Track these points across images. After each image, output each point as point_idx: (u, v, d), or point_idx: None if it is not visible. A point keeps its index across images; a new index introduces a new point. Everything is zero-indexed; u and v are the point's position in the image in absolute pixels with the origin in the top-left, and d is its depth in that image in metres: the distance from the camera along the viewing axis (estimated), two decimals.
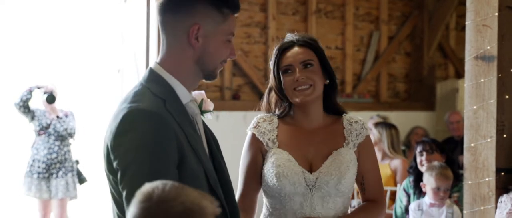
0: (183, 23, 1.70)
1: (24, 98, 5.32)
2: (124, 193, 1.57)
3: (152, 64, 1.80)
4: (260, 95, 6.02)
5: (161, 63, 1.74)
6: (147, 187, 1.27)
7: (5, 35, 5.66)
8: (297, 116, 2.16)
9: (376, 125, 4.86)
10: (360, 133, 2.14)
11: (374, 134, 4.66)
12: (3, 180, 5.65)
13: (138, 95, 1.68)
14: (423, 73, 7.04)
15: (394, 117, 6.60)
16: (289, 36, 2.20)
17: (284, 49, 2.16)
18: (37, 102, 5.45)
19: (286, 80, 2.11)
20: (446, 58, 7.27)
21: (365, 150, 2.15)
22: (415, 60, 7.10)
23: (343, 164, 2.08)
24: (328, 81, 2.16)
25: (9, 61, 5.78)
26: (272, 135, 2.12)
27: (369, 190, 2.16)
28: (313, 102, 2.12)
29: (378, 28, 6.83)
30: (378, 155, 4.73)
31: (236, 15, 1.78)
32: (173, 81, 1.72)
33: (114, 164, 1.61)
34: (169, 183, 1.27)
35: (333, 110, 2.20)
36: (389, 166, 4.69)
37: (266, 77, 6.10)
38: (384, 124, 4.87)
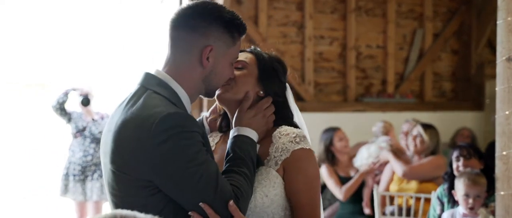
0: (197, 42, 1.78)
1: (60, 100, 5.38)
2: (187, 198, 1.69)
3: (152, 70, 1.83)
4: (297, 97, 5.94)
5: (169, 73, 1.80)
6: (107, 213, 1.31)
7: (43, 36, 5.74)
8: (230, 127, 1.99)
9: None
10: (285, 148, 1.86)
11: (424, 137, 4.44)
12: (42, 181, 5.73)
13: (154, 99, 1.73)
14: (471, 71, 6.74)
15: (439, 117, 6.35)
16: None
17: None
18: (74, 104, 5.50)
19: None
20: (496, 55, 6.92)
21: (291, 168, 1.86)
22: (462, 58, 6.80)
23: (259, 185, 1.85)
24: (262, 93, 1.95)
25: (47, 63, 5.85)
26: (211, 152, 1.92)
27: (298, 216, 1.88)
28: (233, 105, 1.95)
29: (422, 26, 6.57)
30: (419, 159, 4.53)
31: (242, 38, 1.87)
32: (180, 91, 1.79)
33: (155, 169, 1.67)
34: (109, 213, 1.31)
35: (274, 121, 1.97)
36: None
37: (303, 78, 5.97)
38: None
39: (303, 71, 6.00)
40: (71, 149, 5.45)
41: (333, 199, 5.00)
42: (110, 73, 6.09)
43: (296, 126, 1.97)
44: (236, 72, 1.93)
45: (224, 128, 2.05)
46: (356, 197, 4.77)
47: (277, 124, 1.95)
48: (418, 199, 4.23)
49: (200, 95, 1.89)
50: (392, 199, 4.46)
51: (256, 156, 1.86)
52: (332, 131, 4.97)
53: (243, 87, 1.92)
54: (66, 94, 5.39)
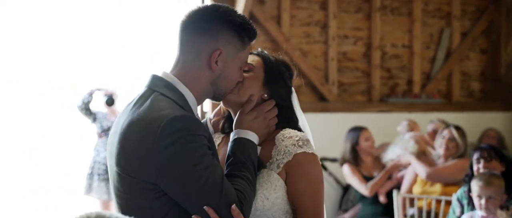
0: (207, 46, 1.78)
1: (85, 100, 5.46)
2: (192, 202, 1.69)
3: (159, 72, 1.83)
4: (320, 97, 5.91)
5: (176, 75, 1.79)
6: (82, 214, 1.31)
7: (60, 37, 5.81)
8: (233, 129, 1.98)
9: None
10: (287, 151, 1.85)
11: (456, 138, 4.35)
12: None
13: (160, 102, 1.73)
14: (500, 71, 6.59)
15: (467, 118, 6.23)
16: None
17: None
18: (99, 104, 5.57)
19: None
20: None
21: (293, 171, 1.84)
22: (491, 58, 6.66)
23: (260, 188, 1.84)
24: (266, 96, 1.94)
25: (75, 63, 5.93)
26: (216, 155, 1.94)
27: None
28: (237, 108, 1.93)
29: (449, 24, 6.46)
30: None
31: (252, 43, 1.88)
32: (187, 93, 1.79)
33: (161, 172, 1.67)
34: (94, 211, 1.32)
35: (277, 124, 1.95)
36: None
37: (326, 78, 5.93)
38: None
39: (327, 71, 5.96)
40: (96, 149, 5.52)
41: (356, 200, 4.96)
42: (134, 72, 6.13)
43: (300, 130, 1.95)
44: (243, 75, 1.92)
45: (227, 129, 2.05)
46: (377, 199, 4.72)
47: (281, 127, 1.93)
48: (439, 202, 4.15)
49: (208, 99, 1.88)
50: (411, 201, 4.39)
51: (257, 159, 1.85)
52: (359, 130, 4.93)
53: (249, 90, 1.91)
54: (90, 94, 5.46)
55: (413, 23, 6.28)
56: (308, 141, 1.89)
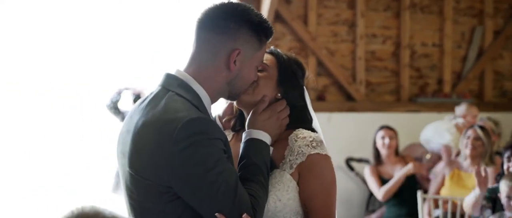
0: (225, 45, 1.73)
1: (114, 100, 5.50)
2: (205, 207, 1.66)
3: (173, 71, 1.79)
4: (347, 96, 5.85)
5: (191, 74, 1.75)
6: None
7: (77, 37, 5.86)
8: (246, 128, 1.95)
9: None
10: (301, 152, 1.81)
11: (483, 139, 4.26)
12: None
13: (176, 102, 1.69)
14: None
15: (499, 118, 6.07)
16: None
17: None
18: (128, 104, 5.61)
19: None
20: None
21: (306, 172, 1.81)
22: None
23: (273, 188, 1.80)
24: (280, 96, 1.91)
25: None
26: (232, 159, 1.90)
27: None
28: (251, 108, 1.89)
29: (481, 23, 6.32)
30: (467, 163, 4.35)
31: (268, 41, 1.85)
32: (202, 92, 1.75)
33: (174, 176, 1.64)
34: (89, 205, 1.31)
35: (288, 124, 1.91)
36: None
37: (353, 77, 5.87)
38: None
39: (354, 71, 5.90)
40: None
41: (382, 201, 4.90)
42: (156, 73, 6.13)
43: (313, 131, 1.91)
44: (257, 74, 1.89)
45: (238, 127, 2.02)
46: (401, 200, 4.65)
47: (295, 127, 1.89)
48: None
49: (223, 98, 1.85)
50: (437, 202, 4.31)
51: (269, 160, 1.82)
52: (379, 129, 4.88)
53: (263, 90, 1.88)
54: (119, 93, 5.51)
55: (443, 22, 6.17)
56: (321, 142, 1.85)
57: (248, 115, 1.92)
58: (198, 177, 1.62)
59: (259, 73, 1.87)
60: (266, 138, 1.82)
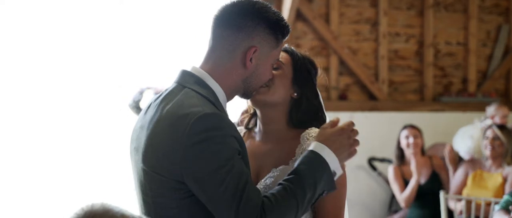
0: (242, 43, 1.73)
1: (136, 99, 5.54)
2: (212, 205, 1.63)
3: (189, 67, 1.79)
4: (370, 95, 5.80)
5: (207, 71, 1.75)
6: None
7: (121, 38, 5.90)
8: (258, 126, 1.96)
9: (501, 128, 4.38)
10: None
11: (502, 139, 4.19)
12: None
13: (191, 98, 1.68)
14: None
15: None
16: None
17: None
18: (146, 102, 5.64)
19: None
20: None
21: None
22: None
23: (277, 182, 1.76)
24: (296, 95, 1.90)
25: (127, 62, 6.01)
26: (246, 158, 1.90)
27: None
28: (268, 107, 1.89)
29: (508, 21, 6.21)
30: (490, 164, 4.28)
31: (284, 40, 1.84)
32: (218, 89, 1.74)
33: (188, 175, 1.62)
34: (98, 202, 1.32)
35: (302, 123, 1.90)
36: (501, 174, 4.23)
37: (376, 76, 5.82)
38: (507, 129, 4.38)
39: (377, 70, 5.84)
40: None
41: None
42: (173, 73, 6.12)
43: None
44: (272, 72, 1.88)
45: (251, 125, 2.02)
46: (424, 201, 4.58)
47: (308, 126, 1.89)
48: (488, 204, 3.99)
49: (237, 96, 1.84)
50: (460, 202, 4.24)
51: (323, 190, 1.71)
52: (403, 128, 4.82)
53: (279, 89, 1.87)
54: (141, 93, 5.54)
55: (468, 20, 6.08)
56: None
57: (262, 115, 1.92)
58: (205, 174, 1.60)
59: (274, 72, 1.86)
60: (333, 163, 1.70)
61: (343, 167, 1.77)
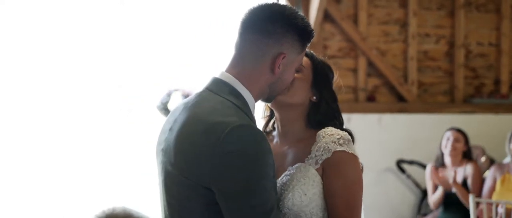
0: (271, 48, 1.72)
1: (164, 101, 5.59)
2: (241, 208, 1.61)
3: (219, 74, 1.77)
4: (398, 97, 5.73)
5: (236, 76, 1.74)
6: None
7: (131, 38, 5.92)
8: (276, 128, 1.97)
9: None
10: (327, 148, 1.81)
11: None
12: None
13: (225, 108, 1.67)
14: None
15: None
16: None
17: None
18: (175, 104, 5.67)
19: None
20: None
21: (331, 168, 1.80)
22: None
23: (293, 180, 1.79)
24: (315, 98, 1.92)
25: (150, 63, 6.04)
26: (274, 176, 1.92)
27: None
28: (286, 110, 1.91)
29: None
30: None
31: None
32: (247, 95, 1.73)
33: (216, 182, 1.60)
34: (120, 206, 1.34)
35: (320, 124, 1.91)
36: None
37: (405, 77, 5.75)
38: None
39: (406, 71, 5.77)
40: None
41: None
42: (202, 74, 6.11)
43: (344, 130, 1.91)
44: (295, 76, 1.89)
45: (268, 129, 2.04)
46: (454, 205, 4.51)
47: (325, 126, 1.90)
48: None
49: (260, 100, 1.84)
50: (490, 206, 4.16)
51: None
52: (447, 130, 4.74)
53: (299, 92, 1.89)
54: (169, 95, 5.59)
55: (501, 20, 5.96)
56: (349, 140, 1.85)
57: (280, 116, 1.94)
58: (233, 186, 1.59)
59: (295, 75, 1.87)
60: None
61: (359, 166, 1.82)
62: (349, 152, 1.82)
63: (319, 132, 1.87)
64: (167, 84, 5.66)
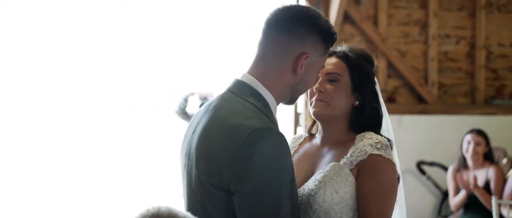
0: (294, 49, 1.72)
1: (181, 106, 5.57)
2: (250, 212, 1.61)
3: (241, 76, 1.78)
4: (419, 98, 5.71)
5: (258, 77, 1.74)
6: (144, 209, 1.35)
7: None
8: (319, 131, 1.97)
9: None
10: (364, 150, 1.81)
11: None
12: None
13: (247, 110, 1.68)
14: None
15: None
16: (339, 47, 1.96)
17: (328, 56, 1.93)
18: (196, 108, 5.67)
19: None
20: None
21: (365, 171, 1.80)
22: None
23: (326, 177, 1.80)
24: (357, 103, 1.89)
25: (161, 66, 6.05)
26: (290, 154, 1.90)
27: None
28: (329, 120, 1.91)
29: None
30: None
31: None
32: (269, 97, 1.73)
33: (234, 184, 1.61)
34: (165, 205, 1.34)
35: (363, 128, 1.90)
36: None
37: (425, 79, 5.73)
38: None
39: (426, 72, 5.75)
40: None
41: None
42: (221, 76, 6.11)
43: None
44: (329, 86, 1.89)
45: (313, 132, 2.04)
46: (476, 206, 4.48)
47: (364, 130, 1.89)
48: None
49: (282, 103, 1.83)
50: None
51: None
52: (467, 132, 4.70)
53: (339, 102, 1.88)
54: (185, 99, 5.56)
55: None
56: (388, 146, 1.83)
57: (325, 127, 1.93)
58: (250, 189, 1.59)
59: (330, 85, 1.87)
60: None
61: (395, 173, 1.81)
62: (386, 157, 1.81)
63: (359, 135, 1.87)
64: (169, 84, 5.67)
